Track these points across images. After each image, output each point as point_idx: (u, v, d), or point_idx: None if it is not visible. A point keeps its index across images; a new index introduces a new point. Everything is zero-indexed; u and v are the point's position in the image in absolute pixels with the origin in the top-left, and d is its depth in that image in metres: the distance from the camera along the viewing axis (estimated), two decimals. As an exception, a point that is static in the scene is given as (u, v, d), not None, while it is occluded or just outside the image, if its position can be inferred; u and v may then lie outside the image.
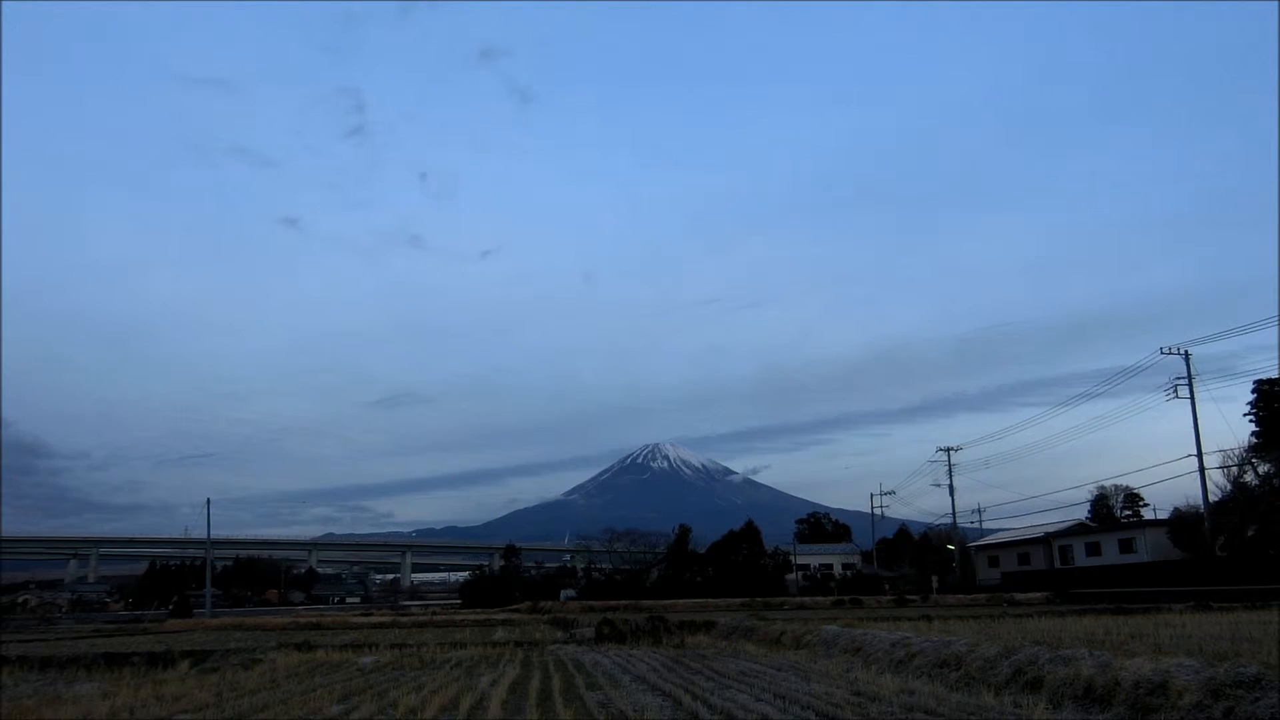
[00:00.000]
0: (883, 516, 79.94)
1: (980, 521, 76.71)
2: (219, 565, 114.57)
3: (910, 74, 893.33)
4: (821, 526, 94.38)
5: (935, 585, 63.32)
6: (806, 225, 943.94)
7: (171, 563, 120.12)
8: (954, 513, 71.11)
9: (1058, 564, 61.08)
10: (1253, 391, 49.74)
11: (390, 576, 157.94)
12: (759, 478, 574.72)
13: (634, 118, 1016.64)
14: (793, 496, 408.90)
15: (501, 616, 44.02)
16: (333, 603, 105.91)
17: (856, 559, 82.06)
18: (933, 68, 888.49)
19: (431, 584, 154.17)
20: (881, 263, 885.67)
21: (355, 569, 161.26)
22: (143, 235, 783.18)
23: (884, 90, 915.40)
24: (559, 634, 26.03)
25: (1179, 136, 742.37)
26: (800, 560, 78.34)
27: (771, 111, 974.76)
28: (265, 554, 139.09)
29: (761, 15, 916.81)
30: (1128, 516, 69.93)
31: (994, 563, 71.01)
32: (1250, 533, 43.77)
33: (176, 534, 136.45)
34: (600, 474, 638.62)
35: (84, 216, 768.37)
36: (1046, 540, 63.84)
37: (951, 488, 70.12)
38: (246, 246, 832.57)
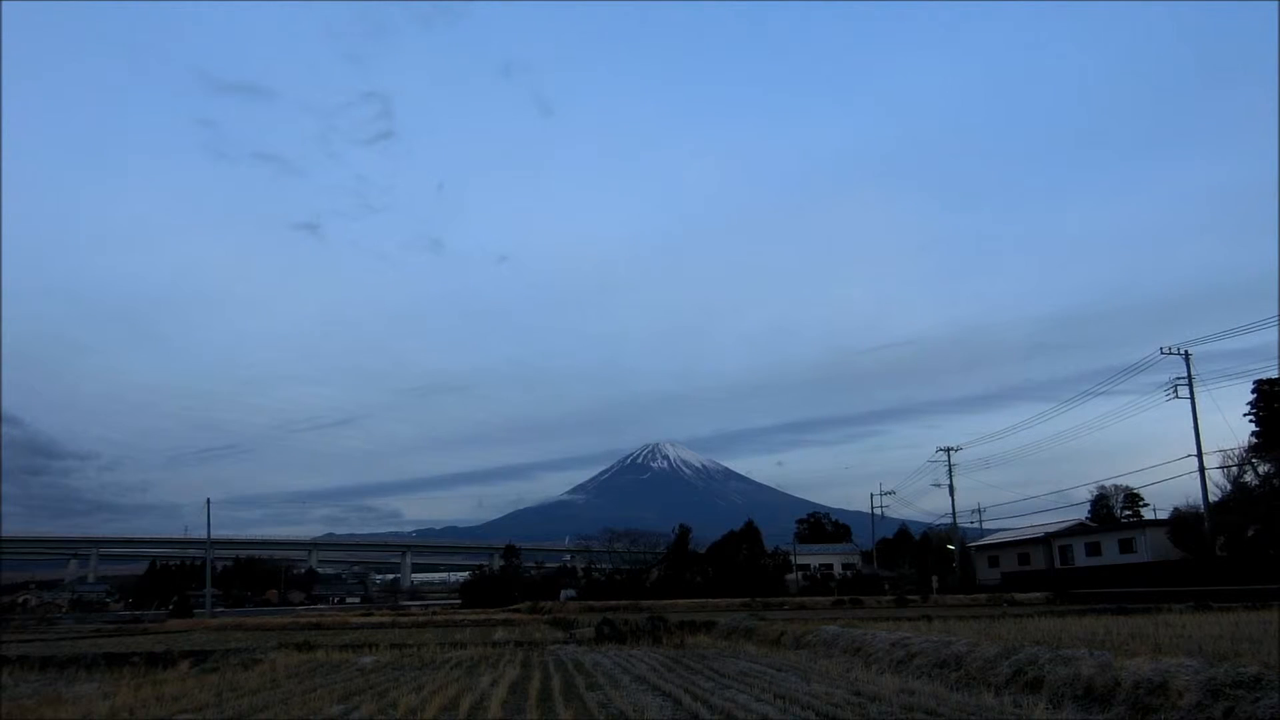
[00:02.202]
0: (883, 516, 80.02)
1: (980, 521, 76.81)
2: (219, 565, 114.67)
3: (1012, 37, 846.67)
4: (821, 526, 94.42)
5: (935, 585, 63.33)
6: (891, 191, 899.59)
7: (171, 563, 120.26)
8: (954, 513, 71.15)
9: (1058, 564, 61.07)
10: (1253, 391, 49.80)
11: (390, 576, 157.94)
12: (762, 478, 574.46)
13: (659, 115, 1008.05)
14: (793, 496, 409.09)
15: (501, 617, 43.99)
16: (333, 603, 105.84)
17: (856, 559, 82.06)
18: (1035, 33, 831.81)
19: (431, 584, 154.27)
20: (970, 234, 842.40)
21: (355, 569, 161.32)
22: (165, 234, 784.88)
23: (981, 50, 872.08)
24: (559, 634, 26.01)
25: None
26: (800, 560, 78.36)
27: (843, 77, 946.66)
28: (265, 554, 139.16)
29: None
30: (1128, 516, 69.92)
31: (994, 563, 71.02)
32: (1250, 533, 43.76)
33: (177, 534, 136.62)
34: (600, 474, 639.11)
35: (104, 209, 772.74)
36: (1046, 540, 63.84)
37: (951, 488, 70.18)
38: (267, 246, 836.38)
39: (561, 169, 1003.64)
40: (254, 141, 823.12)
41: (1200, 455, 46.54)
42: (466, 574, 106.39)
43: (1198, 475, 46.62)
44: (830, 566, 79.77)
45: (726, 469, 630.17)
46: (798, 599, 53.93)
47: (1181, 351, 48.36)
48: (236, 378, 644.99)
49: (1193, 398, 47.63)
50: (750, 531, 70.93)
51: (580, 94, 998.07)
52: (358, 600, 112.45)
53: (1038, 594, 48.12)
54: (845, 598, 52.68)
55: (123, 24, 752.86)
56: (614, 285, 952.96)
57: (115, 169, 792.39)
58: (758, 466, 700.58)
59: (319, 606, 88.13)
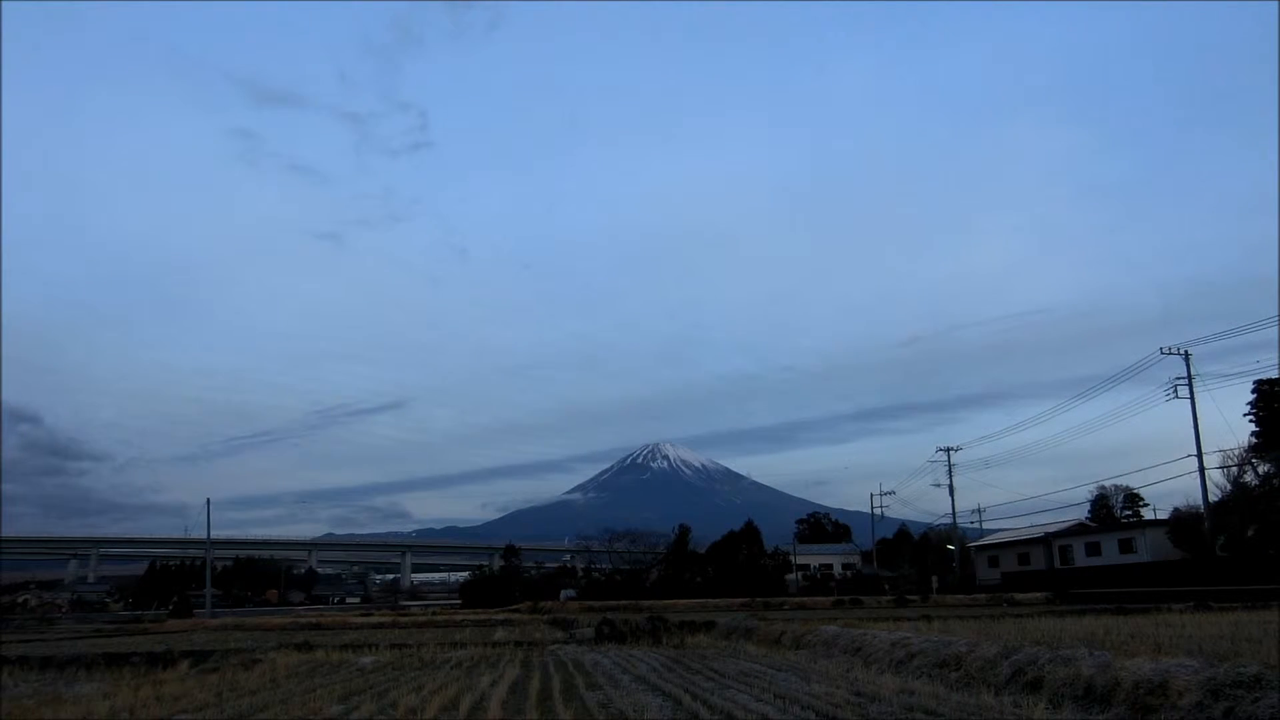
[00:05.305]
0: (883, 517, 79.96)
1: (980, 521, 76.77)
2: (219, 565, 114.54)
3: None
4: (821, 527, 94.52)
5: (935, 585, 63.34)
6: (1047, 122, 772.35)
7: (171, 563, 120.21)
8: (954, 513, 71.16)
9: (1058, 564, 61.08)
10: (1253, 391, 49.74)
11: (390, 576, 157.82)
12: (762, 477, 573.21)
13: (696, 121, 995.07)
14: (793, 496, 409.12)
15: (501, 617, 43.99)
16: (333, 603, 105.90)
17: (856, 559, 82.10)
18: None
19: (431, 584, 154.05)
20: (1126, 180, 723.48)
21: (355, 569, 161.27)
22: (180, 232, 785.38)
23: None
24: (559, 634, 26.01)
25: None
26: (800, 560, 78.40)
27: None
28: (265, 554, 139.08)
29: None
30: (1128, 516, 69.96)
31: (994, 563, 71.02)
32: (1250, 533, 43.76)
33: (177, 534, 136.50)
34: (600, 474, 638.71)
35: (123, 196, 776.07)
36: (1046, 540, 63.85)
37: (951, 488, 70.20)
38: (287, 250, 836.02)
39: (582, 170, 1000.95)
40: (284, 151, 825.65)
41: (1200, 455, 46.59)
42: (466, 574, 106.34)
43: (1198, 475, 46.68)
44: (830, 566, 79.81)
45: (726, 469, 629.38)
46: (798, 599, 53.94)
47: (1181, 351, 48.40)
48: (261, 352, 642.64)
49: (1192, 398, 47.66)
50: (750, 531, 70.94)
51: (604, 93, 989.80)
52: (358, 600, 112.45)
53: (1038, 594, 48.11)
54: (845, 598, 52.69)
55: (161, 30, 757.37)
56: (702, 247, 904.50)
57: (139, 165, 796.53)
58: (816, 459, 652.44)
59: (319, 606, 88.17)
